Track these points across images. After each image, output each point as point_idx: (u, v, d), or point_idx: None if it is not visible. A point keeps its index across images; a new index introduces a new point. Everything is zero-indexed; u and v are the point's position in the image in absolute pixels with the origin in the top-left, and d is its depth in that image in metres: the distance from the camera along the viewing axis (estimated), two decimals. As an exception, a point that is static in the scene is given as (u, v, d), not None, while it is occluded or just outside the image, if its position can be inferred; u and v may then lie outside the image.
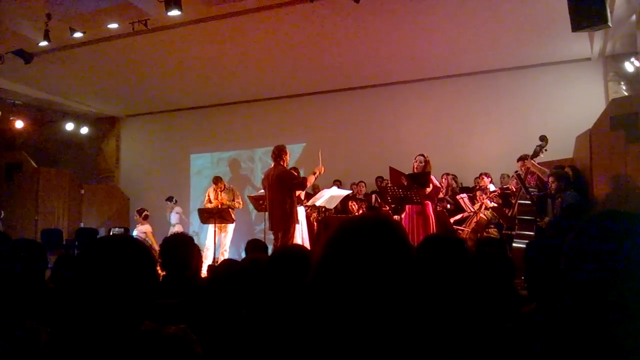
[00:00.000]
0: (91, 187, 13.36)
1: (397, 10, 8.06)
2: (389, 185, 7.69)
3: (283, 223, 7.14)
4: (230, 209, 9.22)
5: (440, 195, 8.64)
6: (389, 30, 8.78)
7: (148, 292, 1.53)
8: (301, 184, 7.28)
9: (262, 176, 7.80)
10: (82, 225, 12.28)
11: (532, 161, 7.02)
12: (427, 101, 11.19)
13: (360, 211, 9.39)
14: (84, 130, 13.42)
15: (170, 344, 1.50)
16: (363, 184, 10.56)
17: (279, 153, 7.29)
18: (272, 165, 7.38)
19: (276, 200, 7.19)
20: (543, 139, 6.91)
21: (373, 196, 9.98)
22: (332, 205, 8.99)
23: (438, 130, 10.92)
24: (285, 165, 7.33)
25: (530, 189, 7.08)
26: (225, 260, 3.39)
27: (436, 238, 2.73)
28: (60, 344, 1.48)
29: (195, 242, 3.42)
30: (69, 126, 13.02)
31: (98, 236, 11.13)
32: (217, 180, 9.84)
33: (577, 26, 5.78)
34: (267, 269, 2.11)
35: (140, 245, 1.56)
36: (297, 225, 7.31)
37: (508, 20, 8.33)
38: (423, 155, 7.37)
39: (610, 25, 5.87)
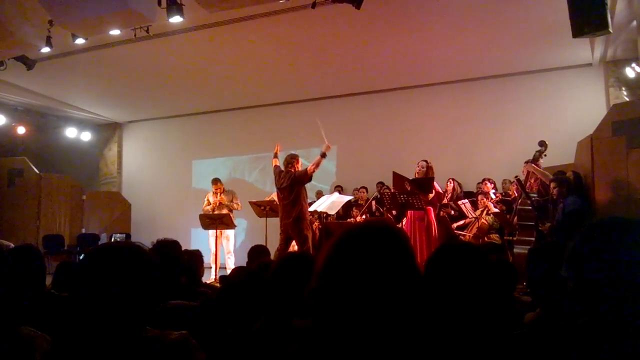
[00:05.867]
0: (93, 193, 13.37)
1: (399, 16, 8.08)
2: (387, 191, 7.71)
3: (298, 223, 7.22)
4: (231, 215, 9.23)
5: (445, 201, 8.65)
6: (391, 36, 8.80)
7: (150, 299, 1.53)
8: (305, 174, 7.37)
9: (273, 180, 7.95)
10: (83, 231, 12.28)
11: (533, 165, 7.02)
12: (429, 107, 11.20)
13: (362, 217, 9.39)
14: (86, 136, 13.44)
15: (172, 350, 1.50)
16: (364, 190, 10.54)
17: (291, 160, 7.43)
18: (284, 171, 7.49)
19: (293, 202, 7.33)
20: (542, 144, 6.92)
21: (373, 202, 9.93)
22: (333, 211, 9.00)
23: (440, 135, 10.93)
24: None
25: (533, 195, 7.09)
26: (237, 267, 3.39)
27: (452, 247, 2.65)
28: (62, 351, 1.47)
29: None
30: (71, 132, 13.04)
31: (100, 242, 11.14)
32: (215, 181, 9.86)
33: (578, 32, 5.79)
34: (272, 276, 2.11)
35: (141, 251, 1.56)
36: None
37: (510, 26, 8.36)
38: (426, 161, 7.40)
39: (611, 31, 5.87)
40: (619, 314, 1.22)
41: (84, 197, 12.72)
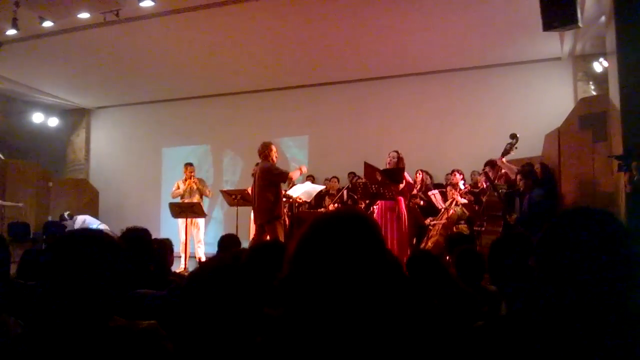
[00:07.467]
0: (60, 179, 13.13)
1: (372, 8, 8.08)
2: (361, 181, 7.74)
3: (266, 215, 7.20)
4: (201, 203, 9.17)
5: (414, 191, 8.71)
6: (363, 27, 8.79)
7: (117, 287, 1.51)
8: (280, 175, 7.33)
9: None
10: (50, 218, 12.05)
11: (502, 159, 7.14)
12: (399, 98, 11.25)
13: (335, 206, 9.40)
14: (53, 121, 13.17)
15: (141, 340, 1.48)
16: (336, 180, 10.56)
17: (263, 150, 7.40)
18: (260, 162, 7.47)
19: (259, 193, 7.30)
20: (513, 136, 7.03)
21: (344, 191, 9.94)
22: (309, 198, 9.05)
23: (411, 126, 11.00)
24: (271, 161, 7.37)
25: (500, 187, 7.21)
26: (213, 257, 3.35)
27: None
28: (31, 339, 1.45)
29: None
30: (38, 117, 12.77)
31: (66, 230, 10.96)
32: (188, 165, 9.81)
33: (548, 26, 5.88)
34: (244, 264, 2.10)
35: (108, 239, 1.54)
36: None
37: (481, 19, 8.43)
38: (397, 152, 7.44)
39: (581, 25, 5.98)
40: (584, 303, 1.25)
41: (51, 184, 12.47)
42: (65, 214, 10.95)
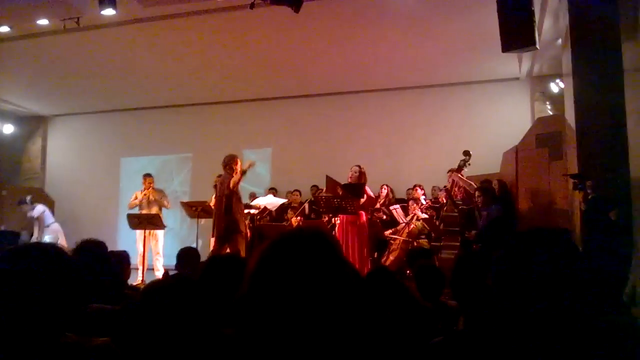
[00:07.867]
0: (14, 188, 12.73)
1: (336, 23, 8.16)
2: (323, 195, 7.76)
3: (227, 228, 7.15)
4: (160, 215, 9.02)
5: (377, 205, 8.78)
6: (327, 42, 8.87)
7: (69, 302, 1.47)
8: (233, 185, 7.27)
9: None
10: (2, 228, 11.67)
11: (459, 175, 7.26)
12: (362, 113, 11.34)
13: (298, 219, 9.39)
14: (8, 129, 12.83)
15: (93, 358, 1.44)
16: (298, 193, 10.54)
17: (228, 162, 7.35)
18: (224, 175, 7.42)
19: (221, 206, 7.25)
20: (467, 153, 7.17)
21: (306, 205, 9.92)
22: (273, 208, 9.03)
23: (374, 141, 11.08)
24: (235, 174, 7.31)
25: (458, 202, 7.34)
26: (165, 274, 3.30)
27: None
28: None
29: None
30: (-8, 124, 12.43)
31: (20, 239, 10.65)
32: (147, 175, 9.64)
33: (507, 47, 6.03)
34: (200, 279, 2.06)
35: (60, 252, 1.50)
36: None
37: (443, 39, 8.60)
38: (359, 166, 7.48)
39: (538, 47, 6.15)
40: (540, 320, 1.27)
41: (4, 192, 12.11)
42: (27, 198, 10.55)
